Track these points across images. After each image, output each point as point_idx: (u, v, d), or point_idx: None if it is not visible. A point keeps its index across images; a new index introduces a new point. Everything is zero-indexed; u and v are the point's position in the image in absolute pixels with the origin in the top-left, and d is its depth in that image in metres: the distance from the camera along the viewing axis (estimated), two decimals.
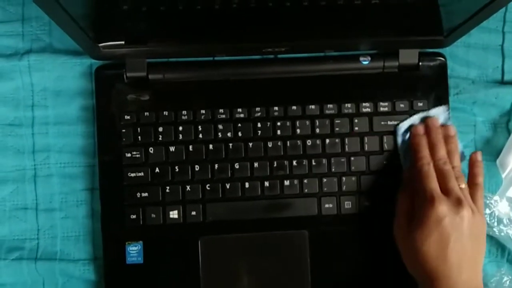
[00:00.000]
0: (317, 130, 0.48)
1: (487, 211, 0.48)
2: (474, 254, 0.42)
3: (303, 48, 0.48)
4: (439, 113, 0.47)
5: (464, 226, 0.41)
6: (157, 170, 0.47)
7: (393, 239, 0.45)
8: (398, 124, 0.47)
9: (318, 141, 0.48)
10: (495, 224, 0.48)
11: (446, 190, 0.42)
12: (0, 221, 0.48)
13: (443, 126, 0.47)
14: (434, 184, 0.43)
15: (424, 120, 0.47)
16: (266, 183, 0.47)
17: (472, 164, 0.45)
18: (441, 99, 0.48)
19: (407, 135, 0.47)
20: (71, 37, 0.42)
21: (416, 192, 0.43)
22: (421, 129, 0.46)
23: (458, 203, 0.41)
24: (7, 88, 0.49)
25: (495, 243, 0.49)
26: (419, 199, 0.43)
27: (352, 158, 0.48)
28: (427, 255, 0.41)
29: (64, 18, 0.38)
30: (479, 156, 0.46)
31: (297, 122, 0.48)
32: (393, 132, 0.47)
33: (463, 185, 0.43)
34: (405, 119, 0.47)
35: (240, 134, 0.47)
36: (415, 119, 0.47)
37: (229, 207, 0.47)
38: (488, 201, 0.48)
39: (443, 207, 0.41)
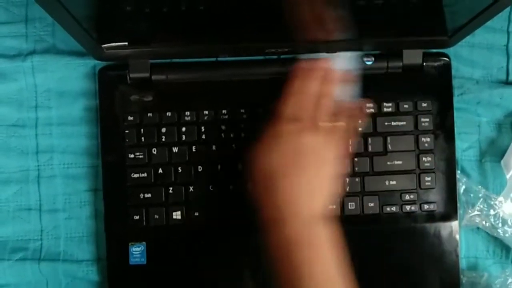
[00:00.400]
0: None
1: (492, 212, 0.48)
2: (314, 181, 0.40)
3: (307, 48, 0.48)
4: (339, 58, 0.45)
5: (304, 149, 0.40)
6: (160, 170, 0.47)
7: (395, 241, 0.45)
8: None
9: None
10: (500, 225, 0.48)
11: (298, 117, 0.41)
12: (3, 222, 0.48)
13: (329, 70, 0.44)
14: (288, 109, 0.41)
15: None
16: None
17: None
18: (445, 100, 0.48)
19: None
20: (74, 38, 0.42)
21: None
22: (305, 64, 0.44)
23: (303, 128, 0.40)
24: (11, 89, 0.49)
25: (499, 244, 0.49)
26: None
27: (356, 159, 0.47)
28: (266, 171, 0.40)
29: (67, 19, 0.38)
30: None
31: None
32: None
33: (324, 123, 0.41)
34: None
35: (243, 134, 0.47)
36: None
37: (232, 208, 0.47)
38: (492, 202, 0.48)
39: (285, 126, 0.40)
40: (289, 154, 0.39)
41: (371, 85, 0.48)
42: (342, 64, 0.45)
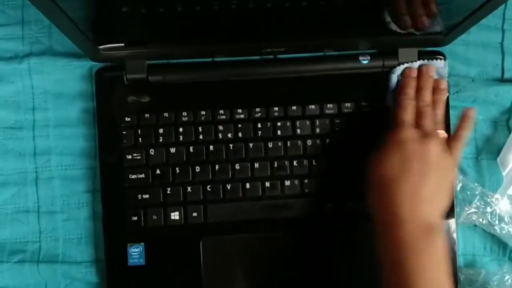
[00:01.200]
0: (317, 130, 0.48)
1: (488, 209, 0.48)
2: (435, 188, 0.40)
3: (302, 48, 0.48)
4: (437, 65, 0.47)
5: (428, 157, 0.40)
6: (158, 171, 0.47)
7: None
8: (397, 66, 0.47)
9: (318, 141, 0.48)
10: (497, 222, 0.48)
11: (418, 124, 0.42)
12: (2, 224, 0.48)
13: (437, 79, 0.47)
14: (407, 116, 0.43)
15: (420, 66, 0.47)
16: (267, 184, 0.47)
17: (461, 117, 0.45)
18: None
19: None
20: (71, 40, 0.42)
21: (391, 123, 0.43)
22: (414, 72, 0.46)
23: (426, 135, 0.41)
24: (8, 91, 0.49)
25: (496, 241, 0.49)
26: (390, 129, 0.42)
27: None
28: (385, 176, 0.40)
29: (63, 21, 0.38)
30: (471, 113, 0.45)
31: (297, 122, 0.48)
32: (389, 73, 0.47)
33: (440, 131, 0.43)
34: (405, 63, 0.47)
35: (240, 134, 0.48)
36: (414, 64, 0.47)
37: (230, 208, 0.47)
38: (489, 200, 0.48)
39: (408, 132, 0.41)
40: (412, 160, 0.40)
41: (367, 83, 0.48)
42: (441, 72, 0.48)
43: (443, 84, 0.46)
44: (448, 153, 0.42)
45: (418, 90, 0.45)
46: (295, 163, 0.47)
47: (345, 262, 0.47)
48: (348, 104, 0.48)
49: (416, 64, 0.47)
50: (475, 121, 0.50)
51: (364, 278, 0.47)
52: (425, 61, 0.48)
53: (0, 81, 0.49)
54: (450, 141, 0.44)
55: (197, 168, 0.47)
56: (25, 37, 0.49)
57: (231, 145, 0.47)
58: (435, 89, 0.46)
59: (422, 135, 0.41)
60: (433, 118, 0.44)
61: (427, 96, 0.45)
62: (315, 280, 0.47)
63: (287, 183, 0.47)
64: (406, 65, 0.47)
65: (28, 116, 0.49)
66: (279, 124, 0.48)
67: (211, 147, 0.47)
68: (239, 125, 0.48)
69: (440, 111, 0.45)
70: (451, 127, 0.48)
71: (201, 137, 0.47)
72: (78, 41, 0.42)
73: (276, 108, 0.48)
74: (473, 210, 0.48)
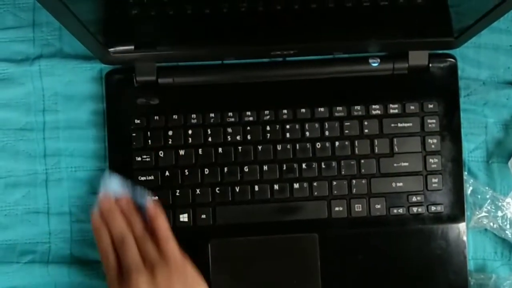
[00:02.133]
0: (327, 133, 0.48)
1: (499, 213, 0.48)
2: None
3: (312, 50, 0.48)
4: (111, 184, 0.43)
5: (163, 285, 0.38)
6: (167, 173, 0.47)
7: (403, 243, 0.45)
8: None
9: (327, 144, 0.47)
10: (508, 226, 0.48)
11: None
12: (12, 225, 0.49)
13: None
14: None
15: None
16: (276, 186, 0.47)
17: (147, 210, 0.42)
18: (452, 101, 0.48)
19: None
20: (81, 43, 0.42)
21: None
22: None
23: (150, 268, 0.39)
24: (18, 93, 0.49)
25: (507, 245, 0.49)
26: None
27: (362, 161, 0.47)
28: None
29: (74, 24, 0.38)
30: (149, 202, 0.42)
31: (306, 125, 0.48)
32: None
33: (148, 244, 0.41)
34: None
35: (249, 137, 0.48)
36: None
37: (239, 210, 0.47)
38: (500, 203, 0.48)
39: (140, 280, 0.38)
40: None
41: (377, 86, 0.48)
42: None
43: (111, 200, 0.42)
44: (167, 265, 0.40)
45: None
46: (304, 165, 0.47)
47: (354, 264, 0.47)
48: (357, 107, 0.48)
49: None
50: (486, 126, 0.49)
51: (375, 281, 0.47)
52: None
53: (11, 83, 0.49)
54: (156, 240, 0.41)
55: (206, 170, 0.47)
56: (36, 39, 0.50)
57: (240, 147, 0.47)
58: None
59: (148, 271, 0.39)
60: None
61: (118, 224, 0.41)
62: (324, 283, 0.47)
63: (296, 185, 0.47)
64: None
65: (38, 118, 0.49)
66: (288, 126, 0.48)
67: (220, 150, 0.47)
68: (248, 128, 0.48)
69: (136, 225, 0.42)
70: (462, 130, 0.48)
71: (210, 139, 0.47)
72: (88, 43, 0.43)
73: (285, 111, 0.48)
74: (483, 214, 0.48)
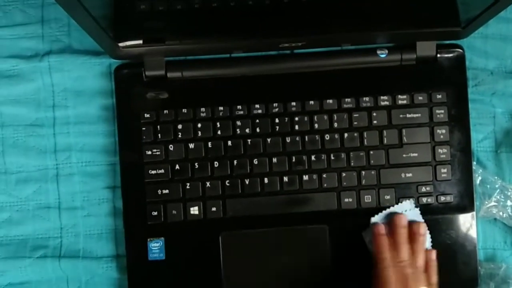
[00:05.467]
0: (335, 125, 0.48)
1: (509, 203, 0.48)
2: None
3: (320, 42, 0.48)
4: (405, 208, 0.46)
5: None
6: (177, 167, 0.47)
7: None
8: (372, 217, 0.46)
9: (336, 136, 0.48)
10: None
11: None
12: (24, 220, 0.49)
13: (412, 223, 0.45)
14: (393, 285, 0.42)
15: (390, 217, 0.46)
16: (285, 178, 0.47)
17: (426, 264, 0.44)
18: (460, 91, 0.48)
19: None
20: (92, 37, 0.42)
21: None
22: (382, 229, 0.45)
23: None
24: (28, 89, 0.50)
25: None
26: None
27: (371, 152, 0.47)
28: None
29: (85, 18, 0.38)
30: (432, 255, 0.45)
31: (315, 117, 0.48)
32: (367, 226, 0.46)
33: None
34: (379, 213, 0.46)
35: (258, 130, 0.48)
36: (378, 216, 0.46)
37: (248, 203, 0.47)
38: (509, 193, 0.48)
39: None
40: None
41: (385, 77, 0.48)
42: (413, 213, 0.46)
43: (421, 229, 0.45)
44: None
45: (394, 247, 0.44)
46: (313, 157, 0.48)
47: (363, 255, 0.47)
48: (366, 98, 0.48)
49: (381, 216, 0.46)
50: (494, 116, 0.49)
51: None
52: (393, 208, 0.46)
53: (21, 79, 0.50)
54: None
55: (216, 164, 0.47)
56: (45, 35, 0.50)
57: (249, 140, 0.48)
58: (413, 236, 0.45)
59: None
60: (415, 279, 0.43)
61: (403, 253, 0.43)
62: (335, 274, 0.47)
63: (305, 177, 0.47)
64: (373, 219, 0.46)
65: (48, 113, 0.50)
66: (296, 119, 0.48)
67: (229, 143, 0.48)
68: (257, 120, 0.48)
69: (420, 263, 0.44)
70: (470, 120, 0.48)
71: (219, 132, 0.48)
72: (98, 38, 0.43)
73: (293, 103, 0.48)
74: (493, 203, 0.48)
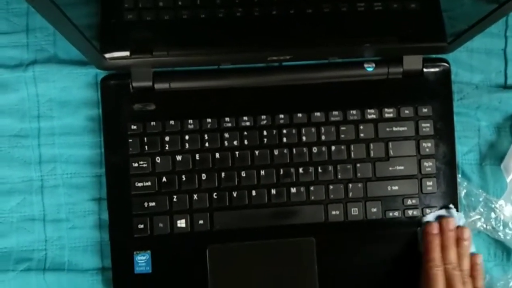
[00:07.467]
0: (323, 137, 0.48)
1: (493, 215, 0.49)
2: None
3: (308, 55, 0.48)
4: (457, 217, 0.47)
5: None
6: (164, 179, 0.47)
7: (399, 245, 0.46)
8: (424, 215, 0.48)
9: (324, 148, 0.48)
10: (501, 228, 0.48)
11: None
12: (8, 233, 0.48)
13: (458, 227, 0.47)
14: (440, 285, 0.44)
15: (439, 219, 0.47)
16: (273, 191, 0.47)
17: (471, 268, 0.46)
18: (446, 105, 0.49)
19: None
20: (76, 48, 0.42)
21: None
22: (435, 228, 0.46)
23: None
24: (13, 99, 0.49)
25: (500, 246, 0.50)
26: None
27: (358, 165, 0.48)
28: None
29: (69, 29, 0.38)
30: (478, 259, 0.46)
31: (303, 130, 0.48)
32: (420, 224, 0.48)
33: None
34: (431, 212, 0.48)
35: (246, 142, 0.48)
36: (430, 216, 0.48)
37: (236, 215, 0.47)
38: (493, 206, 0.49)
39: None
40: None
41: (372, 91, 0.49)
42: (460, 222, 0.48)
43: (466, 234, 0.46)
44: None
45: (443, 248, 0.46)
46: (300, 170, 0.48)
47: (351, 268, 0.47)
48: (353, 111, 0.48)
49: (433, 215, 0.47)
50: (479, 129, 0.50)
51: (372, 284, 0.47)
52: (442, 211, 0.47)
53: (5, 89, 0.49)
54: None
55: (203, 176, 0.47)
56: (30, 44, 0.49)
57: (237, 152, 0.48)
58: (458, 241, 0.46)
59: None
60: (461, 281, 0.44)
61: (452, 255, 0.45)
62: (322, 286, 0.47)
63: (293, 190, 0.48)
64: (425, 218, 0.47)
65: (33, 124, 0.49)
66: (284, 131, 0.48)
67: (217, 155, 0.47)
68: (245, 133, 0.48)
69: (466, 266, 0.46)
70: (456, 133, 0.49)
71: (207, 144, 0.48)
72: (84, 49, 0.42)
73: (281, 116, 0.48)
74: (477, 216, 0.49)
